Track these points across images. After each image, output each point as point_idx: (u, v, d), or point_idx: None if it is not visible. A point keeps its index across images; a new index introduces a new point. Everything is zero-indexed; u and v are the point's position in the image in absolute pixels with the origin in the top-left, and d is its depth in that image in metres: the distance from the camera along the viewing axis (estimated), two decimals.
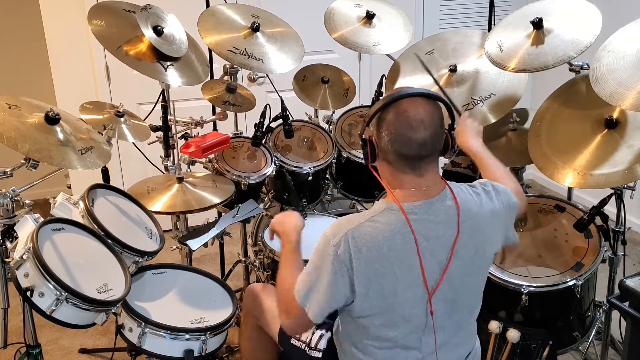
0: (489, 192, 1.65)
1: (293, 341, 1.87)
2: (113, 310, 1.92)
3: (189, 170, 2.53)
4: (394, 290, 1.53)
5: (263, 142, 2.64)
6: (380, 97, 2.38)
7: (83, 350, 2.78)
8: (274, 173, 2.63)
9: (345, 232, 1.52)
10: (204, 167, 2.62)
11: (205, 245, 2.36)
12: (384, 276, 1.52)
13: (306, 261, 1.64)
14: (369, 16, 2.72)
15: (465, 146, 1.97)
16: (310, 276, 1.58)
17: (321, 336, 1.85)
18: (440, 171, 2.73)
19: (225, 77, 2.72)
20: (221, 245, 3.06)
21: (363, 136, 1.60)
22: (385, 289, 1.53)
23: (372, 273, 1.51)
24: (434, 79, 2.38)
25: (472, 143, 1.95)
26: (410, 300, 1.55)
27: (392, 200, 1.55)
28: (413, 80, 2.59)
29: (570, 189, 2.68)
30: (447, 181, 1.61)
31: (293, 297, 1.59)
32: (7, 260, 1.86)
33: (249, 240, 2.90)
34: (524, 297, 2.08)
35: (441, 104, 1.58)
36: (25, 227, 1.90)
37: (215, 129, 2.96)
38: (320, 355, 1.82)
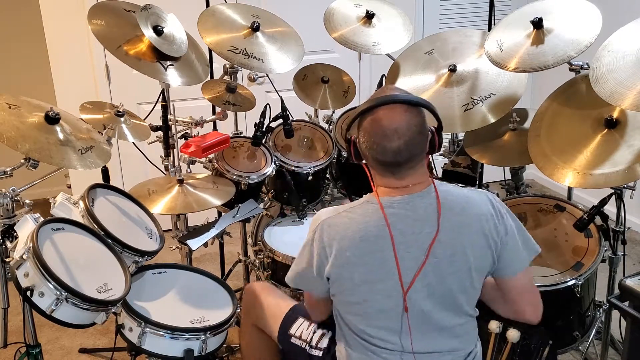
0: (498, 209, 1.62)
1: (293, 340, 1.88)
2: (113, 310, 1.92)
3: (189, 170, 2.53)
4: (364, 279, 1.57)
5: (263, 141, 2.64)
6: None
7: (83, 350, 2.78)
8: (274, 173, 2.63)
9: (323, 219, 1.61)
10: (204, 167, 2.62)
11: (205, 245, 2.36)
12: (355, 265, 1.56)
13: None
14: (369, 16, 2.72)
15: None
16: (297, 259, 1.71)
17: (322, 335, 1.85)
18: (440, 171, 2.75)
19: (225, 77, 2.72)
20: (221, 245, 3.06)
21: (347, 136, 1.64)
22: (356, 278, 1.57)
23: (343, 261, 1.56)
24: None
25: None
26: (383, 293, 1.58)
27: (373, 194, 1.60)
28: (413, 80, 2.59)
29: (570, 189, 2.68)
30: (434, 180, 1.61)
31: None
32: (7, 260, 1.86)
33: (249, 240, 2.90)
34: None
35: (424, 109, 1.57)
36: (25, 226, 1.90)
37: (215, 128, 2.96)
38: (320, 354, 1.82)
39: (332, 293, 1.66)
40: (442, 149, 2.79)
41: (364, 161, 1.63)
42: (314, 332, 1.86)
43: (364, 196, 1.64)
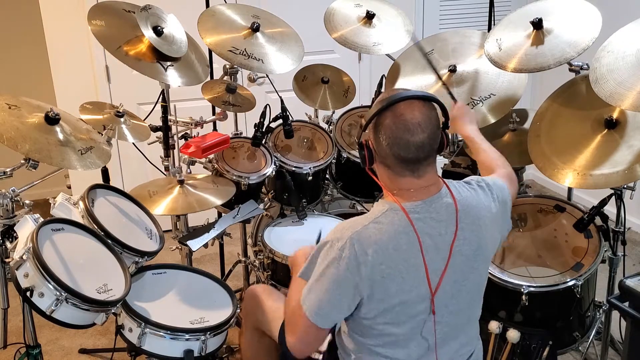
0: (483, 187, 1.68)
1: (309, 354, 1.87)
2: (113, 311, 1.92)
3: (189, 170, 2.53)
4: (400, 289, 1.54)
5: (263, 142, 2.64)
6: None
7: (83, 351, 2.78)
8: (273, 173, 2.63)
9: (350, 235, 1.53)
10: (204, 168, 2.62)
11: (206, 245, 2.36)
12: (390, 277, 1.53)
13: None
14: (369, 16, 2.72)
15: (460, 131, 2.05)
16: (314, 281, 1.57)
17: None
18: (440, 171, 2.75)
19: (225, 77, 2.72)
20: (221, 246, 3.06)
21: (360, 140, 1.61)
22: (391, 289, 1.54)
23: (378, 274, 1.52)
24: (434, 69, 2.40)
25: (467, 128, 2.03)
26: (416, 299, 1.56)
27: (393, 201, 1.56)
28: (413, 80, 2.59)
29: (570, 189, 2.67)
30: (444, 179, 1.63)
31: (297, 308, 1.59)
32: (7, 260, 1.86)
33: (249, 241, 2.90)
34: (523, 297, 2.08)
35: (435, 104, 1.59)
36: (25, 227, 1.90)
37: (215, 129, 2.96)
38: (320, 357, 1.82)
39: (363, 312, 1.57)
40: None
41: (372, 166, 1.62)
42: None
43: (379, 203, 1.61)
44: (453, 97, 2.25)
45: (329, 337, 1.83)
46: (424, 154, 1.53)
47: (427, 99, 1.56)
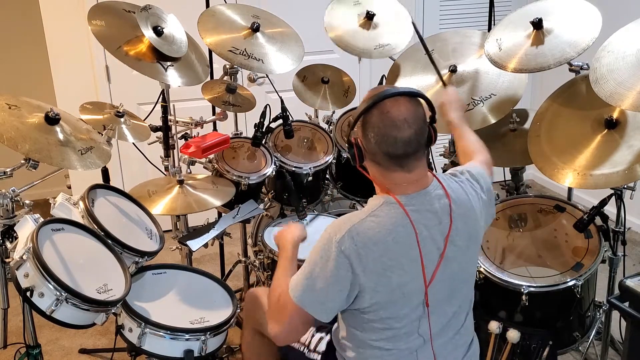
0: (470, 180, 1.70)
1: (292, 343, 1.88)
2: (113, 311, 1.92)
3: (188, 170, 2.53)
4: (401, 282, 1.56)
5: (263, 142, 2.64)
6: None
7: (83, 351, 2.78)
8: (273, 173, 2.63)
9: (349, 228, 1.54)
10: (204, 168, 2.62)
11: (206, 245, 2.36)
12: (392, 269, 1.54)
13: (303, 260, 1.63)
14: (369, 17, 2.72)
15: (446, 116, 2.08)
16: (308, 274, 1.56)
17: (320, 339, 1.85)
18: (440, 171, 2.75)
19: (225, 77, 2.72)
20: (221, 246, 3.06)
21: (349, 138, 1.62)
22: (394, 282, 1.55)
23: (380, 267, 1.53)
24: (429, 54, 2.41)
25: (453, 115, 2.07)
26: (415, 289, 1.58)
27: (387, 194, 1.58)
28: (413, 80, 2.59)
29: (570, 189, 2.68)
30: (434, 173, 1.65)
31: (286, 299, 1.58)
32: (7, 260, 1.86)
33: (249, 241, 2.90)
34: (524, 297, 2.08)
35: (422, 100, 1.60)
36: (25, 227, 1.90)
37: (215, 129, 2.96)
38: (319, 357, 1.82)
39: (360, 301, 1.57)
40: (442, 149, 2.80)
41: (363, 164, 1.63)
42: (313, 336, 1.86)
43: (374, 197, 1.62)
44: (444, 83, 2.34)
45: (328, 337, 1.83)
46: (412, 149, 1.54)
47: (412, 95, 1.57)
